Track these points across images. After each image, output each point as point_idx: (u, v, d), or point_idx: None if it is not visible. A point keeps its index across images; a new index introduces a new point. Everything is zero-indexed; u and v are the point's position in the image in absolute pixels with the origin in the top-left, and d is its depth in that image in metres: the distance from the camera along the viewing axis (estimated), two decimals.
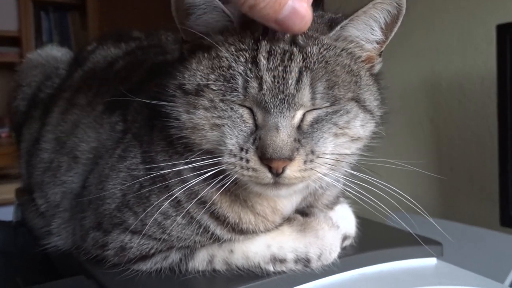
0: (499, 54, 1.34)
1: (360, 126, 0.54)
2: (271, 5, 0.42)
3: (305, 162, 0.50)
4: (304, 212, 0.63)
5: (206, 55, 0.54)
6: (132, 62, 0.81)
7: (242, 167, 0.51)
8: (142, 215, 0.57)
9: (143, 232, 0.58)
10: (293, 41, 0.52)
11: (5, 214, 1.22)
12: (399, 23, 0.54)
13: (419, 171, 1.97)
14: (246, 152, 0.50)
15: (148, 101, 0.57)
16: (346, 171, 0.59)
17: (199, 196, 0.55)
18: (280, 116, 0.50)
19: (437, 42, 1.90)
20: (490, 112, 1.67)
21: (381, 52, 0.57)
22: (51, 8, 3.32)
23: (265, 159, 0.49)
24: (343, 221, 0.67)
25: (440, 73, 1.91)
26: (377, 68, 0.58)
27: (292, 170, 0.50)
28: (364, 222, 0.72)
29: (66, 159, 0.73)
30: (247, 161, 0.50)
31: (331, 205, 0.68)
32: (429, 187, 1.98)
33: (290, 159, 0.49)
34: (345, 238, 0.67)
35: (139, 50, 0.86)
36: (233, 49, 0.52)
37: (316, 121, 0.52)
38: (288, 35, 0.52)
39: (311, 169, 0.51)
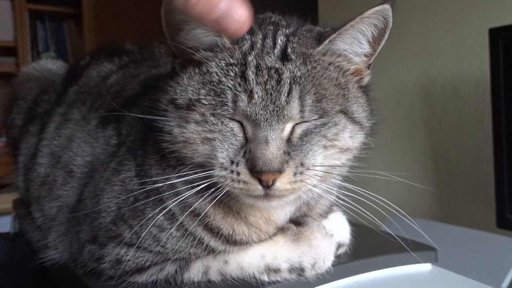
0: (492, 57, 1.36)
1: (349, 138, 0.55)
2: (204, 2, 0.43)
3: (295, 174, 0.51)
4: (298, 221, 0.64)
5: (197, 70, 0.55)
6: (125, 76, 0.82)
7: (233, 180, 0.51)
8: (137, 228, 0.57)
9: (138, 245, 0.58)
10: (282, 55, 0.53)
11: (2, 224, 1.22)
12: (386, 36, 0.55)
13: (417, 174, 1.98)
14: (237, 165, 0.51)
15: (142, 116, 0.58)
16: (337, 182, 0.60)
17: (192, 209, 0.56)
18: (270, 129, 0.51)
19: (431, 46, 1.91)
20: (485, 114, 1.68)
21: (370, 64, 0.58)
22: (47, 17, 3.33)
23: (255, 171, 0.50)
24: (337, 230, 0.68)
25: (435, 77, 1.93)
26: (366, 80, 0.59)
27: (282, 183, 0.51)
28: (358, 229, 0.72)
29: (62, 173, 0.73)
30: (238, 174, 0.51)
31: (325, 214, 0.68)
32: (426, 190, 1.98)
33: (280, 171, 0.50)
34: (339, 246, 0.67)
35: (132, 64, 0.87)
36: (222, 64, 0.53)
37: (306, 133, 0.53)
38: (277, 49, 0.53)
39: (301, 181, 0.52)
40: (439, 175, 1.94)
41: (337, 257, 0.66)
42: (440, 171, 1.94)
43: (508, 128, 1.33)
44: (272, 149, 0.50)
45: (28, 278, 0.98)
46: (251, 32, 0.55)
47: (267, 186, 0.51)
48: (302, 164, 0.52)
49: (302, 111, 0.51)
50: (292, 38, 0.54)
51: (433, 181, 1.96)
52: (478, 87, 1.74)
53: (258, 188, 0.51)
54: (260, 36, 0.55)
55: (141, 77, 0.78)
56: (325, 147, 0.53)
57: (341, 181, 0.60)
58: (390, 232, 0.66)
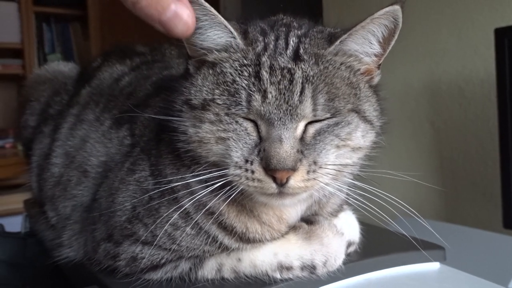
0: (498, 57, 1.36)
1: (361, 137, 0.56)
2: (154, 5, 0.45)
3: (308, 172, 0.52)
4: (309, 220, 0.65)
5: (211, 71, 0.56)
6: (138, 77, 0.83)
7: (247, 178, 0.52)
8: (152, 227, 0.59)
9: (153, 243, 0.59)
10: (294, 55, 0.54)
11: (11, 224, 1.23)
12: (396, 37, 0.56)
13: (422, 174, 1.98)
14: (251, 164, 0.52)
15: (157, 117, 0.59)
16: (348, 180, 0.61)
17: (207, 207, 0.57)
18: (283, 128, 0.52)
19: (436, 46, 1.92)
20: (490, 114, 1.68)
21: (380, 64, 0.59)
22: (53, 19, 3.36)
23: (270, 170, 0.51)
24: (347, 228, 0.69)
25: (440, 77, 1.93)
26: (376, 80, 0.60)
27: (295, 180, 0.52)
28: (368, 228, 0.73)
29: (76, 173, 0.75)
30: (252, 172, 0.52)
31: (335, 213, 0.69)
32: (432, 191, 1.98)
33: (293, 169, 0.51)
34: (349, 244, 0.68)
35: (144, 65, 0.88)
36: (236, 65, 0.54)
37: (319, 133, 0.54)
38: (289, 49, 0.54)
39: (314, 179, 0.53)
40: (445, 175, 1.94)
41: (347, 255, 0.66)
42: (445, 171, 1.94)
43: None
44: (286, 147, 0.51)
45: (39, 277, 0.99)
46: (263, 33, 0.57)
47: (281, 184, 0.52)
48: (315, 163, 0.53)
49: (314, 109, 0.53)
50: (303, 39, 0.56)
51: (438, 181, 1.96)
52: (484, 87, 1.75)
53: (272, 186, 0.52)
54: (273, 37, 0.56)
55: (153, 78, 0.80)
56: (337, 146, 0.54)
57: (352, 179, 0.61)
58: (401, 230, 0.67)
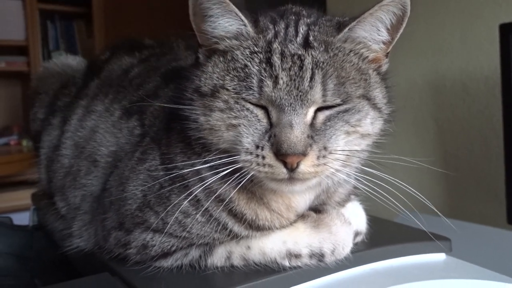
0: (502, 53, 1.36)
1: (370, 124, 0.57)
2: None
3: (318, 157, 0.53)
4: (317, 209, 0.65)
5: (221, 58, 0.57)
6: (147, 69, 0.84)
7: (258, 164, 0.53)
8: (163, 214, 0.59)
9: (164, 231, 0.60)
10: (304, 43, 0.55)
11: (17, 220, 1.24)
12: (404, 24, 0.57)
13: (426, 172, 1.98)
14: (262, 149, 0.53)
15: (168, 106, 0.60)
16: (357, 167, 0.62)
17: (217, 194, 0.58)
18: (294, 114, 0.52)
19: (440, 42, 1.92)
20: (494, 111, 1.68)
21: (388, 52, 0.60)
22: (57, 17, 3.36)
23: (280, 154, 0.52)
24: (354, 218, 0.69)
25: (444, 73, 1.93)
26: (384, 68, 0.61)
27: (306, 165, 0.52)
28: (374, 220, 0.74)
29: (86, 163, 0.76)
30: (263, 157, 0.53)
31: (342, 203, 0.70)
32: (436, 187, 1.99)
33: (304, 154, 0.52)
34: (356, 234, 0.69)
35: (153, 57, 0.89)
36: (247, 52, 0.55)
37: (329, 119, 0.54)
38: (299, 37, 0.55)
39: (324, 164, 0.53)
40: (449, 171, 1.94)
41: (355, 245, 0.67)
42: (449, 167, 1.94)
43: None
44: (296, 132, 0.52)
45: (48, 268, 1.00)
46: (274, 22, 0.57)
47: (291, 169, 0.52)
48: (325, 148, 0.53)
49: (324, 95, 0.53)
50: (313, 27, 0.57)
51: (442, 177, 1.96)
52: (488, 83, 1.75)
53: (283, 171, 0.53)
54: (283, 26, 0.57)
55: (162, 70, 0.80)
56: (347, 132, 0.55)
57: (360, 167, 0.62)
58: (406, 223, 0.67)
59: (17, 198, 2.31)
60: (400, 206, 0.61)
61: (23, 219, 1.19)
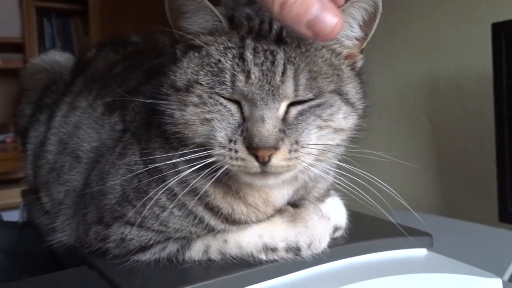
0: (495, 52, 1.37)
1: (343, 118, 0.57)
2: (300, 3, 0.45)
3: (289, 151, 0.53)
4: (295, 204, 0.66)
5: (197, 54, 0.57)
6: (130, 65, 0.85)
7: (231, 158, 0.54)
8: (140, 208, 0.60)
9: (142, 224, 0.61)
10: (277, 38, 0.55)
11: (12, 218, 1.25)
12: (377, 21, 0.57)
13: (420, 170, 1.99)
14: (235, 143, 0.54)
15: (145, 101, 0.60)
16: (334, 163, 0.62)
17: (193, 187, 0.58)
18: (266, 108, 0.53)
19: (434, 41, 1.92)
20: (488, 110, 1.69)
21: (363, 49, 0.60)
22: (53, 14, 3.37)
23: (252, 148, 0.52)
24: (334, 213, 0.70)
25: (438, 72, 1.93)
26: (359, 64, 0.61)
27: (277, 159, 0.53)
28: (355, 215, 0.74)
29: (69, 159, 0.76)
30: (236, 151, 0.53)
31: (322, 198, 0.70)
32: (429, 185, 1.99)
33: (275, 148, 0.52)
34: (336, 229, 0.69)
35: (137, 54, 0.89)
36: (221, 48, 0.56)
37: (301, 114, 0.55)
38: (273, 33, 0.55)
39: (296, 158, 0.54)
40: (442, 170, 1.95)
41: (334, 239, 0.67)
42: (442, 166, 1.95)
43: (510, 124, 1.34)
44: (268, 126, 0.52)
45: (37, 264, 1.01)
46: (248, 18, 0.58)
47: (263, 163, 0.53)
48: (297, 142, 0.54)
49: (296, 89, 0.54)
50: None
51: (435, 175, 1.97)
52: (481, 82, 1.75)
53: (255, 165, 0.53)
54: (257, 22, 0.57)
55: (145, 66, 0.81)
56: (319, 127, 0.55)
57: (338, 162, 0.62)
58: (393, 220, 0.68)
59: (12, 195, 2.32)
60: (387, 203, 0.61)
61: (16, 217, 1.19)
